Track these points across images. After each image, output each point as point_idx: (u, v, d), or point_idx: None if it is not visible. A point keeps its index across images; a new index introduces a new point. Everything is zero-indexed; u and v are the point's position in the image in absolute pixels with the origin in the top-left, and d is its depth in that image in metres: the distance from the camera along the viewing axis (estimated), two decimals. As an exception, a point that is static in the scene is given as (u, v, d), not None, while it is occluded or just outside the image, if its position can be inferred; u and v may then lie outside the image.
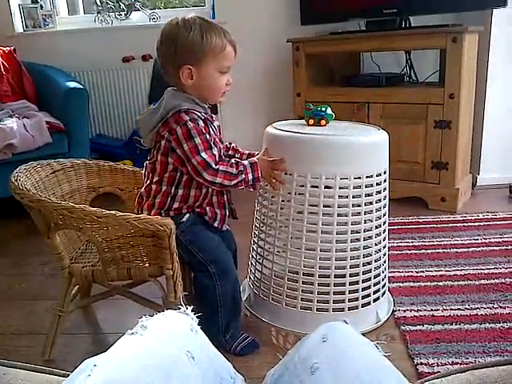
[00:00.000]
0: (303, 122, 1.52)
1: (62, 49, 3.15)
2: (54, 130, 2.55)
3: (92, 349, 1.47)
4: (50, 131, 2.51)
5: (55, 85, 2.72)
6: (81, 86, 2.68)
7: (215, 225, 1.38)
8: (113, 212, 1.18)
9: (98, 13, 3.24)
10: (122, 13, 3.22)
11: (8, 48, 2.92)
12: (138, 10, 3.23)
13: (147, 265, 1.29)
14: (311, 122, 1.48)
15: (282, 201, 1.41)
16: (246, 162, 1.31)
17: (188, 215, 1.33)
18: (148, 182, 1.36)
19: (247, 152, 1.50)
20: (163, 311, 0.62)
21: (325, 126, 1.47)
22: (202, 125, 1.27)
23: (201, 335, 0.59)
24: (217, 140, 1.34)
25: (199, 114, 1.28)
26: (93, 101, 3.11)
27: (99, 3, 3.24)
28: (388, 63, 2.76)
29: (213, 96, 1.35)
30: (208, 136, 1.27)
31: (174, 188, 1.32)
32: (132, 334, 0.55)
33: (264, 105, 3.15)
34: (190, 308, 0.63)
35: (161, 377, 0.48)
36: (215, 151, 1.27)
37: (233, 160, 1.30)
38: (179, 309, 0.64)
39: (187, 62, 1.28)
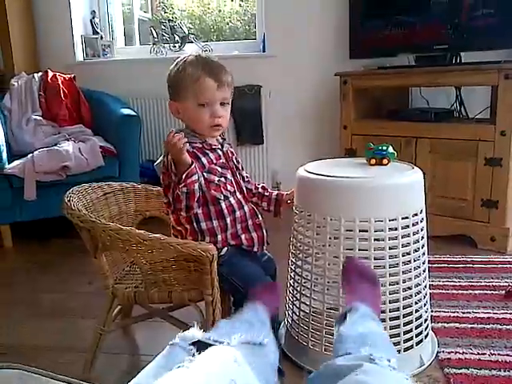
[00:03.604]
0: (339, 161, 1.51)
1: (119, 77, 3.30)
2: (107, 154, 2.66)
3: (130, 369, 1.49)
4: (102, 155, 2.63)
5: (110, 111, 2.85)
6: (134, 113, 2.79)
7: (255, 249, 1.39)
8: (158, 235, 1.21)
9: (153, 44, 3.39)
10: (177, 44, 3.36)
11: (68, 75, 3.09)
12: (192, 42, 3.36)
13: (188, 289, 1.31)
14: (373, 161, 1.46)
15: (318, 245, 1.38)
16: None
17: (226, 249, 1.34)
18: (171, 225, 1.40)
19: (276, 192, 1.53)
20: None
21: (387, 164, 1.45)
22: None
23: (244, 367, 0.60)
24: (213, 167, 1.35)
25: (188, 147, 1.28)
26: (145, 127, 3.21)
27: (155, 35, 3.40)
28: (437, 98, 2.73)
29: (200, 130, 1.36)
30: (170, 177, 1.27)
31: (195, 224, 1.33)
32: (179, 367, 0.56)
33: (311, 136, 3.17)
34: (237, 339, 0.64)
35: None
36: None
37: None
38: None
39: (172, 98, 1.34)
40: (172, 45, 3.36)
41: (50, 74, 3.04)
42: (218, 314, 1.28)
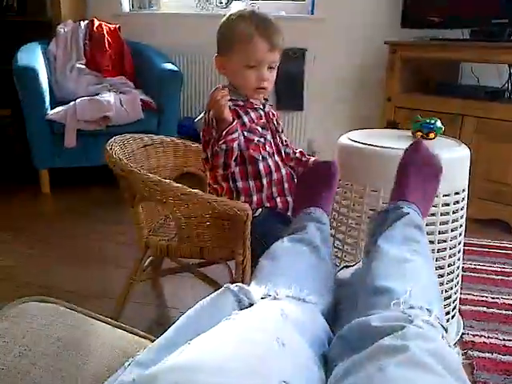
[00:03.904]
0: (383, 131, 1.47)
1: (163, 30, 3.27)
2: (147, 107, 2.68)
3: (158, 319, 1.54)
4: (142, 109, 2.64)
5: (153, 65, 2.85)
6: (176, 69, 2.78)
7: (289, 213, 1.39)
8: (196, 191, 1.22)
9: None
10: (223, 1, 3.30)
11: (114, 26, 3.09)
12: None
13: (219, 246, 1.32)
14: (419, 134, 1.42)
15: (354, 215, 1.37)
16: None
17: (260, 210, 1.34)
18: (208, 182, 1.40)
19: (313, 159, 1.50)
20: None
21: (433, 139, 1.41)
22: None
23: (291, 320, 0.60)
24: (253, 127, 1.33)
25: (230, 104, 1.26)
26: (185, 84, 3.18)
27: (203, -11, 3.34)
28: (488, 76, 2.62)
29: (244, 89, 1.33)
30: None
31: (231, 183, 1.33)
32: (226, 319, 0.57)
33: (352, 105, 3.10)
34: (283, 293, 0.64)
35: (252, 364, 0.49)
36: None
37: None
38: None
39: (219, 53, 1.31)
40: (218, 1, 3.30)
41: (96, 23, 3.04)
42: (247, 275, 1.30)
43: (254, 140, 1.33)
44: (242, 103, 1.34)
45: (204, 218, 1.29)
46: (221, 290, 0.66)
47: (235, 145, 1.25)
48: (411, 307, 0.65)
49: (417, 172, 1.02)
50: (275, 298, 0.65)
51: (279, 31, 1.30)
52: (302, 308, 0.67)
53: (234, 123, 1.24)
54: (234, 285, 0.67)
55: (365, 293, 0.74)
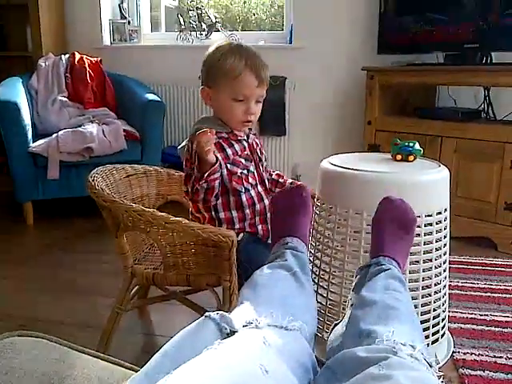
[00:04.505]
0: (364, 155, 1.49)
1: (144, 63, 3.31)
2: (130, 138, 2.69)
3: (145, 348, 1.51)
4: (125, 139, 2.65)
5: (135, 96, 2.87)
6: (158, 99, 2.81)
7: (269, 241, 1.39)
8: (180, 219, 1.21)
9: (180, 31, 3.39)
10: (203, 32, 3.36)
11: (95, 59, 3.12)
12: (219, 30, 3.35)
13: (206, 273, 1.31)
14: (399, 157, 1.44)
15: (338, 238, 1.37)
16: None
17: (242, 234, 1.34)
18: (190, 211, 1.40)
19: (290, 180, 1.52)
20: None
21: (413, 161, 1.43)
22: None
23: (273, 348, 0.60)
24: (237, 159, 1.33)
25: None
26: (168, 114, 3.22)
27: (182, 22, 3.40)
28: (465, 98, 2.69)
29: (229, 122, 1.33)
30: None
31: (213, 213, 1.33)
32: (207, 349, 0.57)
33: (333, 130, 3.14)
34: (264, 322, 0.64)
35: None
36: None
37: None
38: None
39: (205, 83, 1.31)
40: (199, 33, 3.36)
41: (77, 56, 3.07)
42: (234, 300, 1.29)
43: (237, 173, 1.32)
44: (225, 135, 1.34)
45: (189, 246, 1.29)
46: (201, 318, 0.66)
47: (216, 184, 1.25)
48: (395, 342, 0.65)
49: (392, 226, 1.03)
50: (257, 327, 0.65)
51: (266, 65, 1.31)
52: (284, 335, 0.67)
53: (217, 164, 1.22)
54: (215, 313, 0.66)
55: (349, 338, 0.75)
